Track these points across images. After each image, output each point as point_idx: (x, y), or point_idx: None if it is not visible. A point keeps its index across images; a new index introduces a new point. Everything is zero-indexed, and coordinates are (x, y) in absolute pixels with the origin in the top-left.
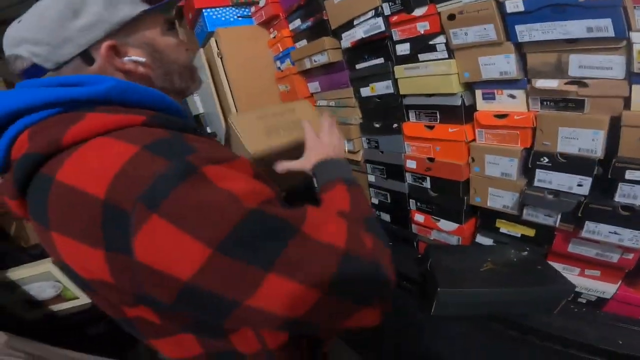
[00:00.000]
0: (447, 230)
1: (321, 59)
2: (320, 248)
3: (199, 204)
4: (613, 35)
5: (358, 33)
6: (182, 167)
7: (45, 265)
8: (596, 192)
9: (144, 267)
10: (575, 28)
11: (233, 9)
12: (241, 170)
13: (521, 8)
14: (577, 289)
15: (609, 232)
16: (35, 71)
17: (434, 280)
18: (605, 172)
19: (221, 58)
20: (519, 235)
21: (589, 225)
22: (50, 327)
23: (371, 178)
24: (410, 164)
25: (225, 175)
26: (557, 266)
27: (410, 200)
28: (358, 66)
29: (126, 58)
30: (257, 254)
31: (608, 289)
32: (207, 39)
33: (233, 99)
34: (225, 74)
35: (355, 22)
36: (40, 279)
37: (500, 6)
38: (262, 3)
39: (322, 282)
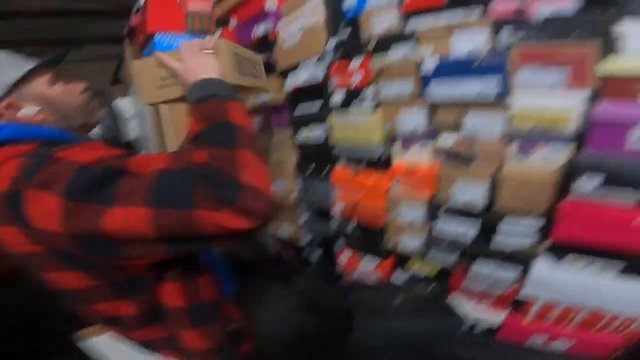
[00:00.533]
0: (369, 267)
1: (263, 99)
2: (143, 177)
3: (52, 172)
4: (496, 96)
5: (300, 77)
6: (42, 158)
7: None
8: (481, 236)
9: (39, 231)
10: (470, 88)
11: (187, 36)
12: (92, 149)
13: (434, 68)
14: (472, 320)
15: (491, 270)
16: None
17: (353, 314)
18: (488, 220)
19: None
20: (424, 275)
21: (474, 265)
22: None
23: (302, 219)
24: (338, 208)
25: (73, 152)
26: (457, 299)
27: (337, 240)
28: (298, 110)
29: (22, 110)
30: (98, 195)
31: (498, 318)
32: None
33: (171, 126)
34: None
35: (299, 67)
36: None
37: (419, 65)
38: (216, 35)
39: (147, 200)
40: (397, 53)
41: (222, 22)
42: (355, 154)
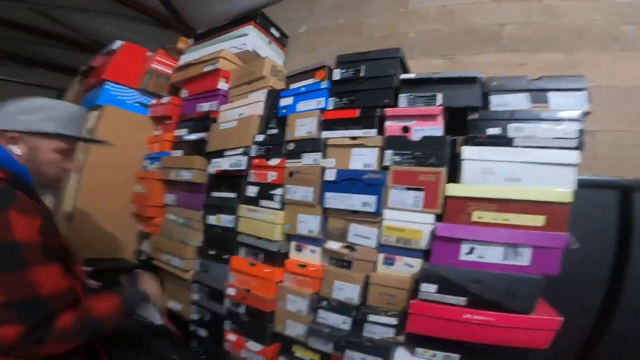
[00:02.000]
0: (254, 350)
1: (186, 176)
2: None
3: None
4: (374, 210)
5: (224, 163)
6: (2, 205)
7: None
8: (354, 328)
9: None
10: (357, 201)
11: (137, 93)
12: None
13: (333, 178)
14: None
15: (360, 358)
16: None
17: None
18: (360, 314)
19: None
20: (308, 359)
21: (348, 352)
22: None
23: (195, 297)
24: (231, 291)
25: (20, 219)
26: None
27: (226, 321)
28: (214, 194)
29: (12, 147)
30: None
31: None
32: (90, 110)
33: (78, 182)
34: (86, 151)
35: (226, 153)
36: None
37: (323, 172)
38: (164, 100)
39: None
40: (309, 159)
41: (175, 89)
42: (257, 245)
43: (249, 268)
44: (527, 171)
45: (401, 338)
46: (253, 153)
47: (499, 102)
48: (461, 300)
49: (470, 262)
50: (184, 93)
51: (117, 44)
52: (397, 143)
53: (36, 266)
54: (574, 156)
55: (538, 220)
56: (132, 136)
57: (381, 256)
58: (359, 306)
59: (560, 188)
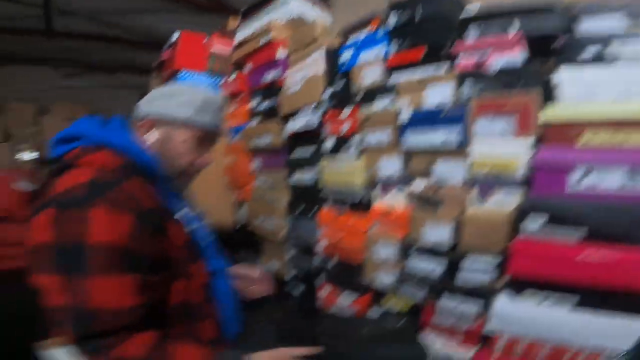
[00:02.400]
0: (347, 302)
1: (265, 141)
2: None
3: (68, 222)
4: (459, 144)
5: (299, 123)
6: (88, 200)
7: None
8: (447, 273)
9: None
10: (438, 138)
11: (207, 76)
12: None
13: (409, 118)
14: (443, 355)
15: (457, 305)
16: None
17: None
18: (452, 258)
19: None
20: (398, 309)
21: (442, 300)
22: None
23: (289, 255)
24: (321, 245)
25: (104, 217)
26: (429, 335)
27: (318, 275)
28: (294, 153)
29: (150, 132)
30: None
31: (466, 354)
32: None
33: None
34: None
35: (298, 113)
36: None
37: (398, 115)
38: (232, 77)
39: None
40: (380, 104)
41: (238, 65)
42: (341, 197)
43: (336, 220)
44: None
45: (502, 282)
46: (323, 109)
47: (587, 27)
48: (574, 235)
49: (583, 191)
50: (248, 68)
51: (176, 34)
52: (473, 76)
53: (99, 275)
54: None
55: None
56: None
57: (473, 192)
58: (452, 249)
59: None
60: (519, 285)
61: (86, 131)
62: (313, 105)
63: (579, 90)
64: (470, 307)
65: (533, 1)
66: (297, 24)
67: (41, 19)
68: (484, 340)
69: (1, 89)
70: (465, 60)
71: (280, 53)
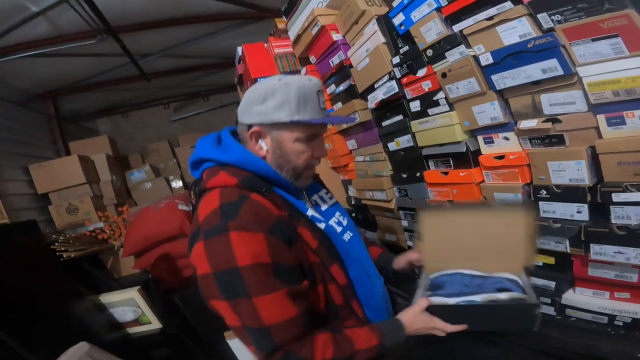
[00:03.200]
0: None
1: (354, 119)
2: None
3: (215, 248)
4: (563, 73)
5: (379, 95)
6: (223, 226)
7: (131, 293)
8: (595, 216)
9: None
10: (534, 71)
11: (282, 75)
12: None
13: (491, 60)
14: (610, 312)
15: (614, 252)
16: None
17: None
18: (596, 197)
19: None
20: (541, 264)
21: (594, 247)
22: (125, 345)
23: (404, 223)
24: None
25: (240, 240)
26: (587, 291)
27: None
28: (384, 124)
29: (260, 141)
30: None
31: (636, 309)
32: None
33: None
34: None
35: (375, 86)
36: (124, 304)
37: (477, 61)
38: (303, 72)
39: None
40: (454, 55)
41: (304, 60)
42: (442, 155)
43: (444, 177)
44: None
45: None
46: (398, 75)
47: None
48: None
49: None
50: (313, 59)
51: (239, 50)
52: (548, 3)
53: (260, 295)
54: None
55: None
56: None
57: (602, 117)
58: (595, 186)
59: None
60: None
61: (204, 154)
62: (387, 75)
63: None
64: (632, 254)
65: None
66: (338, 2)
67: (131, 65)
68: None
69: (137, 132)
70: None
71: (336, 36)
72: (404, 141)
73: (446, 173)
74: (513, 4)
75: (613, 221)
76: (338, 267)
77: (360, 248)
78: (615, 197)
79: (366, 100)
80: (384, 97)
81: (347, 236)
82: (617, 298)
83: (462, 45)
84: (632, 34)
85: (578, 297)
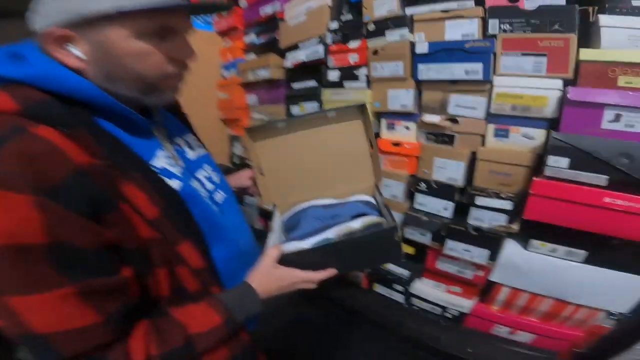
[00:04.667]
0: None
1: (264, 74)
2: None
3: None
4: (481, 78)
5: (300, 55)
6: None
7: None
8: (456, 215)
9: None
10: (457, 70)
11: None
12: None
13: (425, 50)
14: (443, 304)
15: (463, 250)
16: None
17: None
18: (464, 198)
19: None
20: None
21: (449, 243)
22: None
23: None
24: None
25: None
26: (430, 283)
27: None
28: (294, 85)
29: (69, 49)
30: None
31: (466, 304)
32: None
33: None
34: None
35: (300, 46)
36: None
37: (413, 47)
38: (226, 13)
39: None
40: (394, 36)
41: (233, 1)
42: None
43: None
44: None
45: (515, 227)
46: (329, 40)
47: None
48: (602, 179)
49: (615, 132)
50: (244, 2)
51: None
52: (505, 12)
53: (19, 294)
54: None
55: None
56: (205, 51)
57: (491, 127)
58: (464, 189)
59: None
60: (532, 232)
61: None
62: (317, 38)
63: (622, 35)
64: (477, 255)
65: None
66: None
67: None
68: (485, 292)
69: None
70: None
71: None
72: (309, 107)
73: None
74: (475, 4)
75: (470, 221)
76: (191, 245)
77: (236, 216)
78: (478, 201)
79: (283, 57)
80: (304, 60)
81: (218, 198)
82: (451, 292)
83: (406, 28)
84: (559, 57)
85: (422, 287)
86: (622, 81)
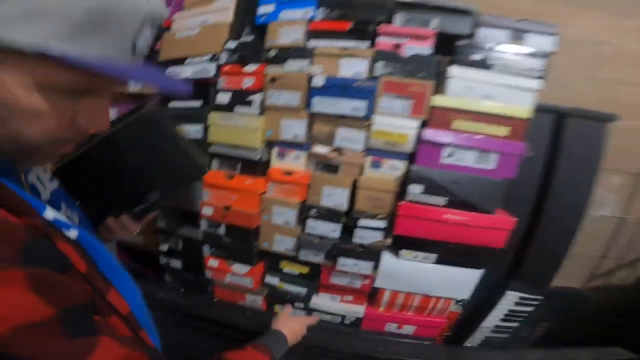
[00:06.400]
0: (240, 273)
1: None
2: None
3: None
4: (364, 115)
5: (187, 71)
6: None
7: None
8: (344, 235)
9: None
10: (346, 106)
11: None
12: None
13: (321, 84)
14: (342, 313)
15: (353, 264)
16: None
17: None
18: (348, 220)
19: None
20: (297, 273)
21: (340, 260)
22: None
23: (162, 223)
24: (207, 211)
25: None
26: (326, 296)
27: (204, 246)
28: (172, 104)
29: None
30: None
31: (359, 309)
32: None
33: None
34: None
35: (187, 61)
36: None
37: (310, 79)
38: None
39: None
40: (294, 65)
41: None
42: (232, 157)
43: (227, 182)
44: (499, 91)
45: (389, 241)
46: (223, 60)
47: (484, 35)
48: (442, 200)
49: (450, 165)
50: None
51: None
52: (389, 57)
53: None
54: (535, 83)
55: (504, 130)
56: None
57: (368, 159)
58: (348, 212)
59: (523, 106)
60: (400, 244)
61: None
62: (209, 56)
63: (461, 85)
64: (363, 267)
65: (455, 3)
66: None
67: None
68: (372, 297)
69: None
70: (385, 42)
71: None
72: (192, 130)
73: (231, 177)
74: (370, 45)
75: (355, 240)
76: (115, 291)
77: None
78: (360, 222)
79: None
80: (190, 77)
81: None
82: (344, 301)
83: (307, 60)
84: (420, 101)
85: (320, 301)
86: (455, 124)
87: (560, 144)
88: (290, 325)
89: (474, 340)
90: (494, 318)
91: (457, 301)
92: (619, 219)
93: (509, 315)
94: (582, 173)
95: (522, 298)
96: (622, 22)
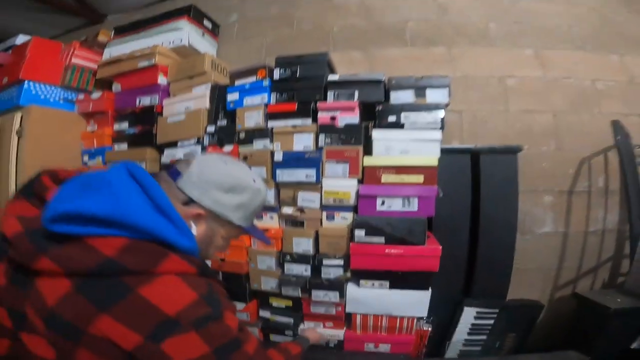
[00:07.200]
0: (238, 309)
1: None
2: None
3: (217, 332)
4: (315, 180)
5: (179, 153)
6: (216, 314)
7: None
8: (314, 273)
9: (162, 353)
10: (301, 174)
11: (60, 89)
12: (233, 314)
13: (280, 158)
14: (326, 337)
15: (324, 295)
16: (176, 173)
17: None
18: (315, 261)
19: (19, 137)
20: (284, 306)
21: (313, 292)
22: None
23: None
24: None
25: (231, 318)
26: (311, 324)
27: None
28: None
29: (193, 222)
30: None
31: (339, 333)
32: (9, 111)
33: (16, 184)
34: (17, 154)
35: (179, 144)
36: None
37: (272, 155)
38: (95, 95)
39: None
40: (259, 144)
41: (103, 83)
42: None
43: None
44: (412, 145)
45: (349, 275)
46: (206, 142)
47: (395, 97)
48: (381, 239)
49: (383, 211)
50: (117, 87)
51: (21, 39)
52: (327, 129)
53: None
54: (438, 134)
55: (419, 178)
56: (64, 134)
57: (324, 214)
58: (315, 255)
59: (431, 156)
60: (358, 276)
61: (154, 229)
62: (195, 139)
63: (383, 145)
64: (332, 296)
65: (369, 75)
66: (185, 51)
67: None
68: (349, 321)
69: None
70: (324, 116)
71: (162, 79)
72: None
73: None
74: (312, 121)
75: (322, 276)
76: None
77: None
78: (324, 262)
79: (161, 153)
80: (182, 158)
81: None
82: (327, 327)
83: (268, 139)
84: (354, 163)
85: (307, 328)
86: (383, 179)
87: (479, 177)
88: (311, 334)
89: (450, 353)
90: (461, 332)
91: (418, 319)
92: (563, 234)
93: (474, 329)
94: (503, 197)
95: (479, 312)
96: (522, 52)
